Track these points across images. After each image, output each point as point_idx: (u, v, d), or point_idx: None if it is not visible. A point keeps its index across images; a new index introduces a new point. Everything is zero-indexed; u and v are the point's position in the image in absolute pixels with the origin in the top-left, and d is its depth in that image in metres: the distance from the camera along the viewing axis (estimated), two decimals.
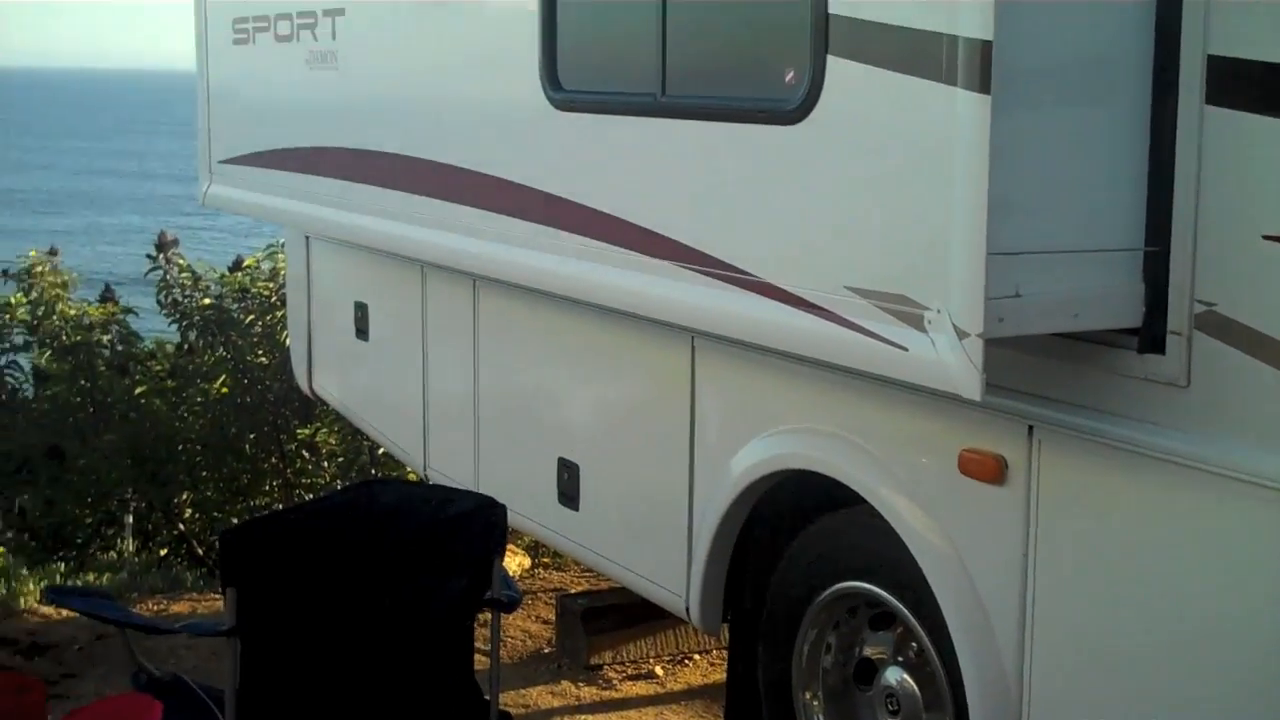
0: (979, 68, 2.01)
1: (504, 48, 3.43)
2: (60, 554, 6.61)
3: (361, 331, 4.92)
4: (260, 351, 7.12)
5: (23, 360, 7.22)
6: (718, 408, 3.19)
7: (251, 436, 7.09)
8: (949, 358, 2.11)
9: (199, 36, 5.18)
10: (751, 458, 3.02)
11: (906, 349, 2.20)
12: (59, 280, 7.26)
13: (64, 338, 7.09)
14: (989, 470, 2.46)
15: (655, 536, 3.38)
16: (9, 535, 6.81)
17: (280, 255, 6.59)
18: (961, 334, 2.07)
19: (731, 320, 2.73)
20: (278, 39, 4.51)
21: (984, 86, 2.01)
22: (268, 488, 7.20)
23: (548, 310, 3.61)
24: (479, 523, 2.66)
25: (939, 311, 2.12)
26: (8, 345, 7.15)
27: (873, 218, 2.35)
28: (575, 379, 3.77)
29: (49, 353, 7.10)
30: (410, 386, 4.54)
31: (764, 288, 2.54)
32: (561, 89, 3.17)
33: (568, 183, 3.18)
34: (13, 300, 7.18)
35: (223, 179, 5.06)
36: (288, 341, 5.92)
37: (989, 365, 2.05)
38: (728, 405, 3.16)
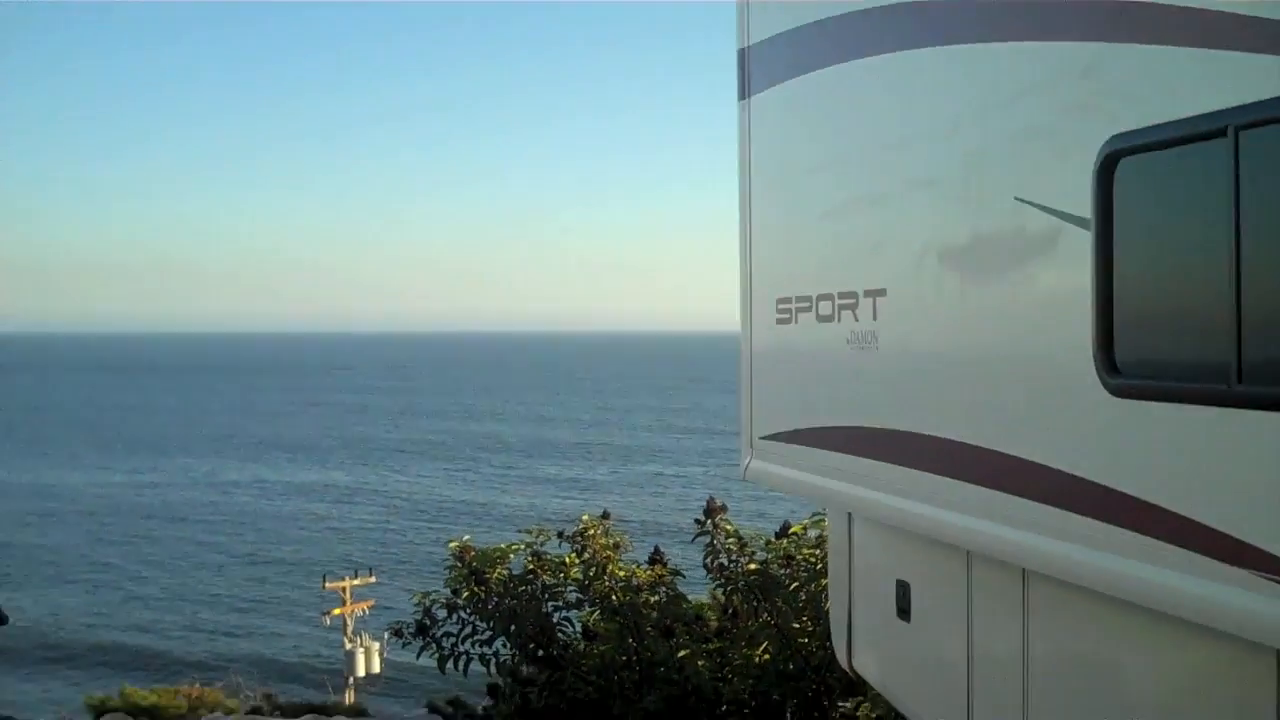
0: None
1: (1054, 329, 3.22)
2: None
3: (903, 611, 4.71)
4: (805, 618, 7.03)
5: (574, 617, 7.51)
6: None
7: (794, 703, 6.99)
8: None
9: (744, 314, 5.29)
10: None
11: None
12: (610, 542, 7.55)
13: (614, 598, 7.33)
14: None
15: None
16: None
17: (825, 523, 6.53)
18: None
19: None
20: (819, 319, 4.51)
21: None
22: None
23: (1108, 610, 3.27)
24: None
25: None
26: (561, 603, 7.48)
27: None
28: (1137, 683, 3.38)
29: (597, 612, 7.36)
30: (953, 674, 4.26)
31: None
32: (1119, 374, 2.92)
33: (1127, 476, 2.89)
34: (567, 560, 7.53)
35: (763, 455, 5.07)
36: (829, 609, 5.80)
37: None
38: None
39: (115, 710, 14.87)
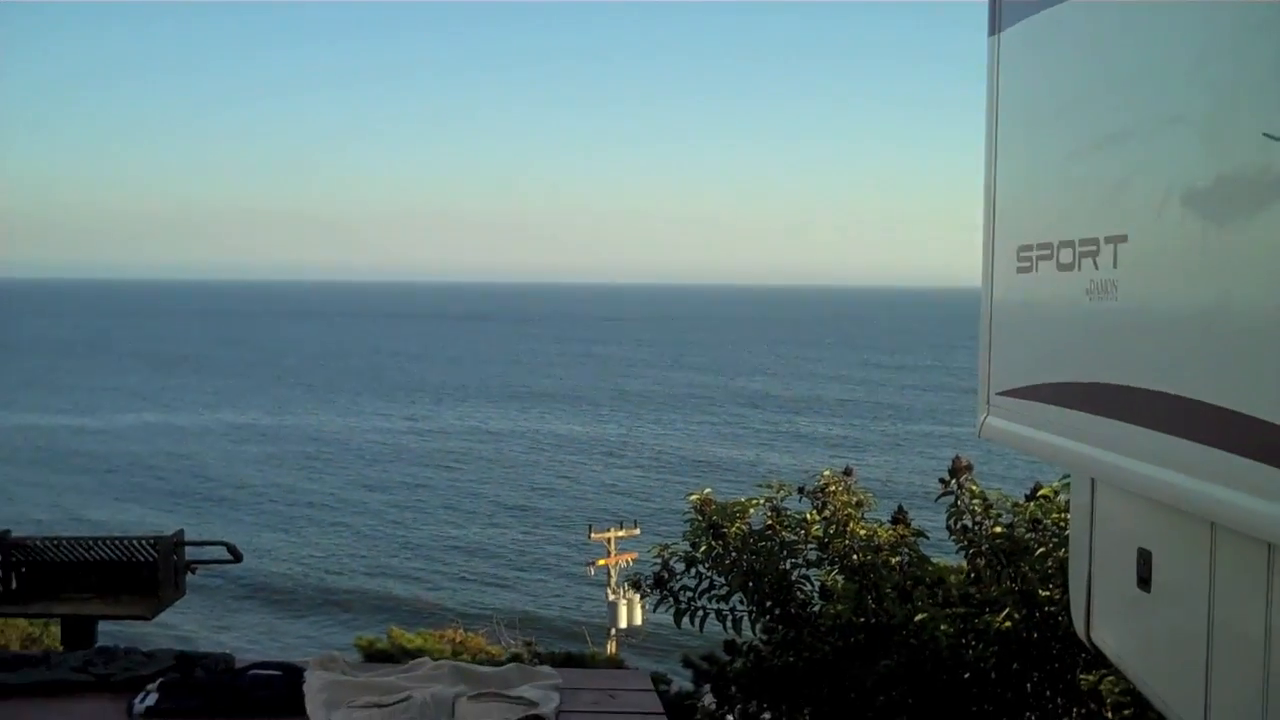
0: None
1: None
2: None
3: (1143, 580, 4.42)
4: (1052, 585, 6.74)
5: (812, 575, 7.37)
6: None
7: (1036, 674, 6.72)
8: None
9: (985, 263, 5.05)
10: None
11: None
12: (852, 500, 7.37)
13: (854, 557, 7.16)
14: None
15: None
16: None
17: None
18: None
19: None
20: (1059, 267, 4.25)
21: None
22: None
23: None
24: None
25: None
26: (801, 561, 7.35)
27: None
28: None
29: (836, 571, 7.21)
30: (1192, 650, 3.98)
31: None
32: None
33: None
34: (808, 517, 7.38)
35: (1000, 412, 4.83)
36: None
37: None
38: None
39: (384, 651, 15.43)
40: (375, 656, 13.94)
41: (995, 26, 5.12)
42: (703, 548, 7.42)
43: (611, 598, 36.24)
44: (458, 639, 17.80)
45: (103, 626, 6.86)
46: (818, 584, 7.40)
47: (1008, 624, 6.71)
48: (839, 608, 7.12)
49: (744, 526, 7.44)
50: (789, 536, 7.42)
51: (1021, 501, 7.23)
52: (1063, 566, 6.61)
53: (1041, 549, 6.81)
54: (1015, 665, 6.71)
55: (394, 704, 3.87)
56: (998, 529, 7.03)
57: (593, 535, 39.36)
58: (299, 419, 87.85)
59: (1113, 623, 4.88)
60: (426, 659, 4.36)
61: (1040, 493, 7.26)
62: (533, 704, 3.98)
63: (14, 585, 6.97)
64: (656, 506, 55.31)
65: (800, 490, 7.55)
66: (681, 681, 8.41)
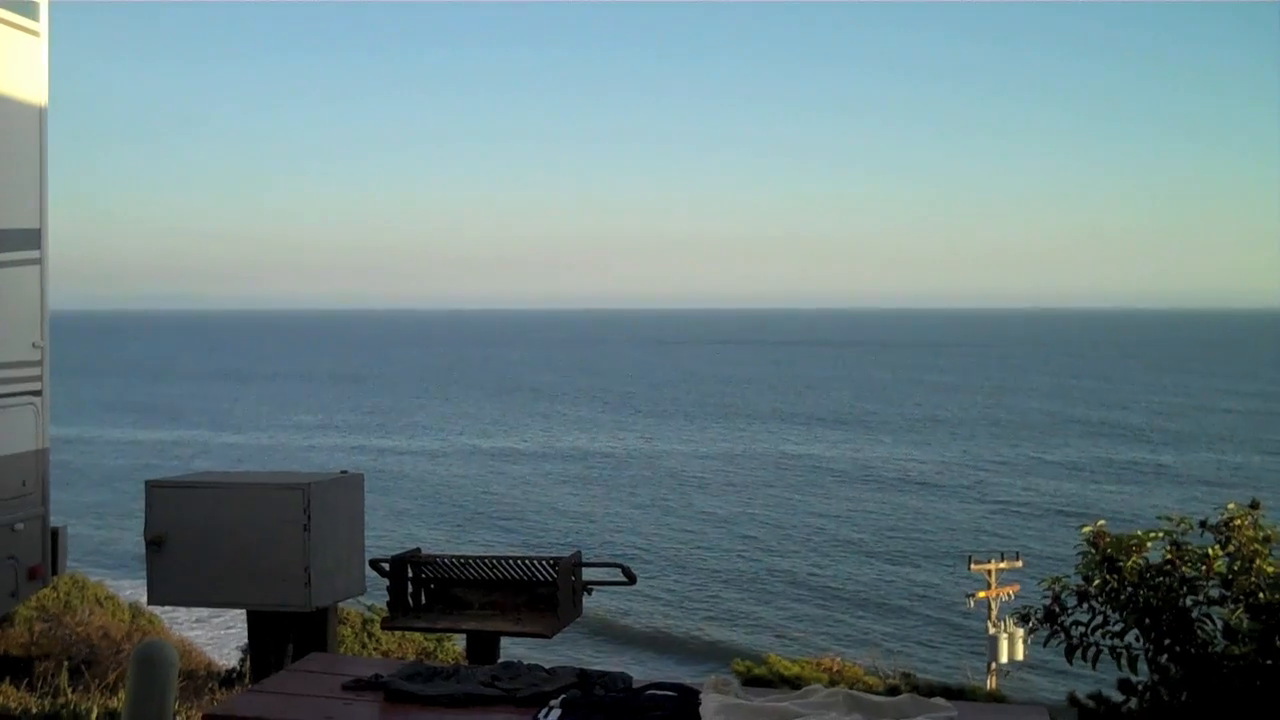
0: None
1: None
2: None
3: None
4: None
5: (1215, 614, 6.99)
6: None
7: None
8: None
9: None
10: None
11: None
12: (1259, 535, 6.96)
13: (1260, 595, 6.75)
14: None
15: None
16: None
17: None
18: None
19: None
20: None
21: None
22: None
23: None
24: None
25: None
26: (1203, 598, 6.99)
27: None
28: None
29: (1241, 609, 6.81)
30: None
31: None
32: None
33: None
34: (1210, 552, 7.01)
35: None
36: None
37: None
38: None
39: (761, 677, 15.58)
40: (752, 682, 14.09)
41: None
42: (1096, 581, 7.16)
43: (992, 630, 35.35)
44: (835, 667, 17.79)
45: (503, 642, 7.21)
46: (1220, 623, 7.01)
47: None
48: (1244, 649, 6.73)
49: (1141, 560, 7.14)
50: (1190, 572, 7.06)
51: None
52: None
53: None
54: None
55: None
56: None
57: (973, 567, 38.49)
58: (694, 445, 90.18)
59: None
60: (819, 686, 4.39)
61: None
62: None
63: (423, 600, 7.44)
64: (1035, 536, 53.79)
65: (1203, 524, 7.18)
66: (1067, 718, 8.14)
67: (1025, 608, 7.69)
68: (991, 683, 31.02)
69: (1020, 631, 32.94)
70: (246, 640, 8.63)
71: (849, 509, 65.28)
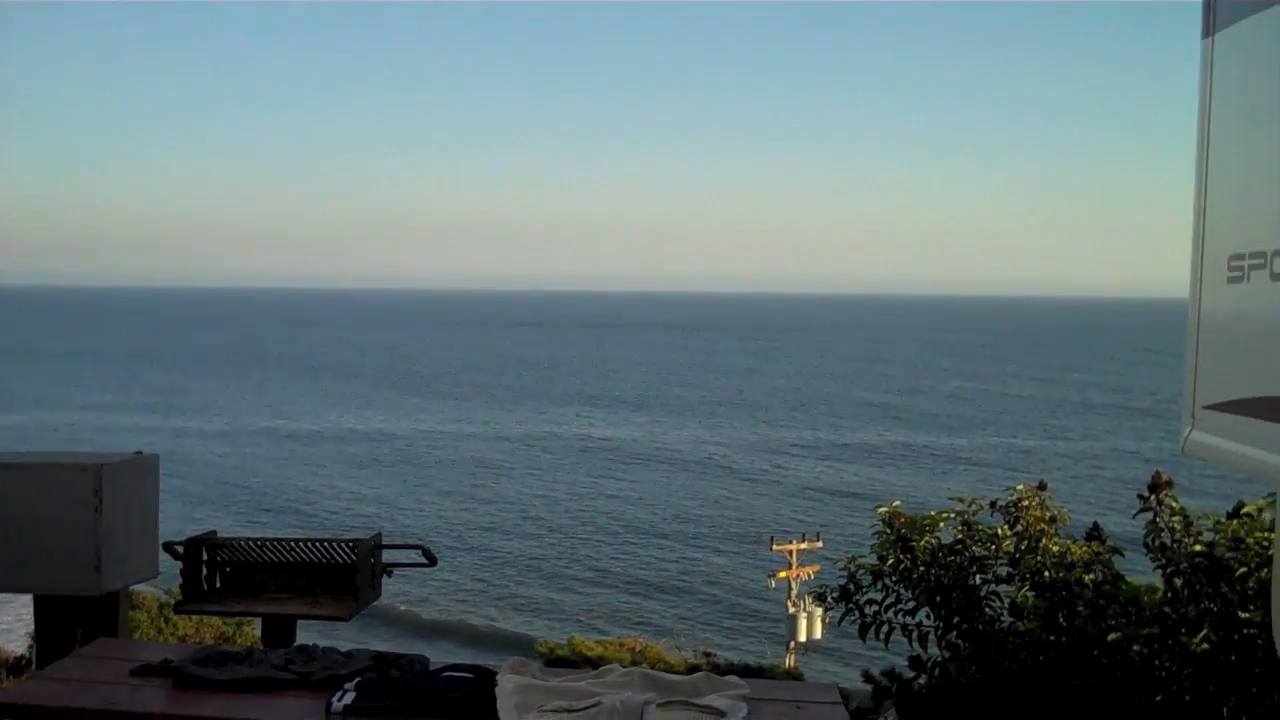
0: None
1: None
2: None
3: None
4: (1253, 607, 6.49)
5: (1002, 591, 7.22)
6: None
7: (1234, 699, 6.46)
8: None
9: (1193, 273, 4.90)
10: None
11: None
12: (1045, 515, 7.21)
13: (1046, 574, 6.99)
14: None
15: None
16: None
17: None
18: None
19: None
20: (1272, 277, 4.10)
21: None
22: None
23: None
24: None
25: None
26: (991, 576, 7.22)
27: None
28: None
29: (1027, 587, 7.05)
30: None
31: None
32: None
33: None
34: (1000, 532, 7.24)
35: (1205, 426, 4.68)
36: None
37: None
38: None
39: (564, 658, 15.61)
40: (555, 663, 14.11)
41: (1209, 28, 4.97)
42: (890, 560, 7.33)
43: (791, 610, 36.04)
44: (637, 647, 17.93)
45: (301, 625, 7.06)
46: (1008, 600, 7.24)
47: (1205, 645, 6.48)
48: (1029, 625, 6.96)
49: (933, 540, 7.34)
50: (979, 551, 7.29)
51: (1223, 519, 6.99)
52: (1265, 587, 6.36)
53: (1243, 569, 6.57)
54: (1211, 688, 6.48)
55: (584, 709, 3.91)
56: (1197, 547, 6.79)
57: (774, 547, 39.18)
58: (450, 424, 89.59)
59: None
60: (616, 666, 4.39)
61: (1243, 510, 7.01)
62: (721, 713, 3.98)
63: (218, 584, 7.23)
64: (838, 518, 54.98)
65: (992, 505, 7.41)
66: (860, 697, 8.33)
67: (822, 587, 7.83)
68: (790, 661, 31.65)
69: (819, 611, 33.65)
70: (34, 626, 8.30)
71: (652, 493, 65.83)
